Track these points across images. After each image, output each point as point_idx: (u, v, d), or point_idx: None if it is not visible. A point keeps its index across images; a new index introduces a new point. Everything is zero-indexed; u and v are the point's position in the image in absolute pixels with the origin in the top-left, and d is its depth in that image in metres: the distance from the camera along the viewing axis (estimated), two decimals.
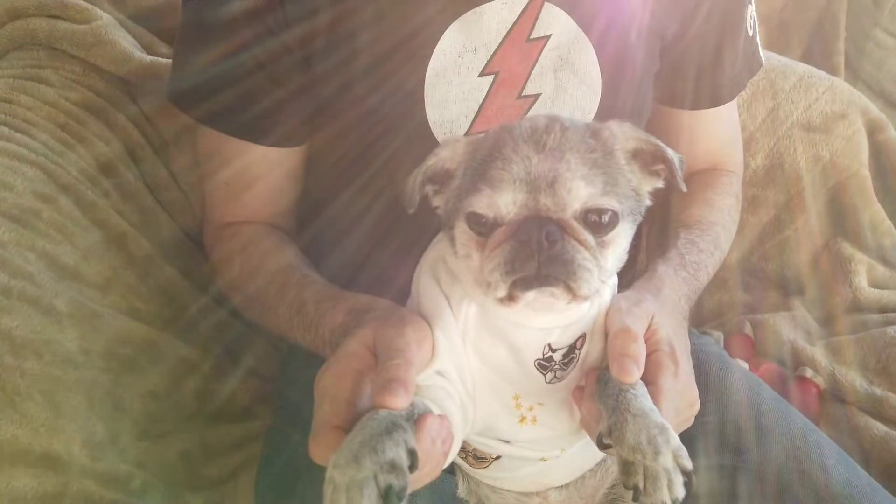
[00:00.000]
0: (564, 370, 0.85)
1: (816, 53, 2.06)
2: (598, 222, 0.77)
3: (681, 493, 0.71)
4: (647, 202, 0.86)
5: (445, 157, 0.84)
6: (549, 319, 0.82)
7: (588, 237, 0.76)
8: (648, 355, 0.80)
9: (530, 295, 0.76)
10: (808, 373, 1.40)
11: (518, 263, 0.74)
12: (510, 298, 0.76)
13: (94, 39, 1.41)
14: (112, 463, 1.03)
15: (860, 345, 1.44)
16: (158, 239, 1.35)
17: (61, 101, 1.35)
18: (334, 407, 0.73)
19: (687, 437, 1.01)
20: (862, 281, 1.59)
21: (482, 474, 1.01)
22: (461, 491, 1.05)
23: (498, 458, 0.96)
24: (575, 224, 0.76)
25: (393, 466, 0.66)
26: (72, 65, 1.41)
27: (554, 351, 0.84)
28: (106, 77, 1.43)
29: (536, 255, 0.73)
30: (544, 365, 0.84)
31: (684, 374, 0.84)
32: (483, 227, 0.77)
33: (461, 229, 0.80)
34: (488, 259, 0.76)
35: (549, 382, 0.85)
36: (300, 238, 1.22)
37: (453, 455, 0.83)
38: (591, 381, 0.81)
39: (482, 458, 0.97)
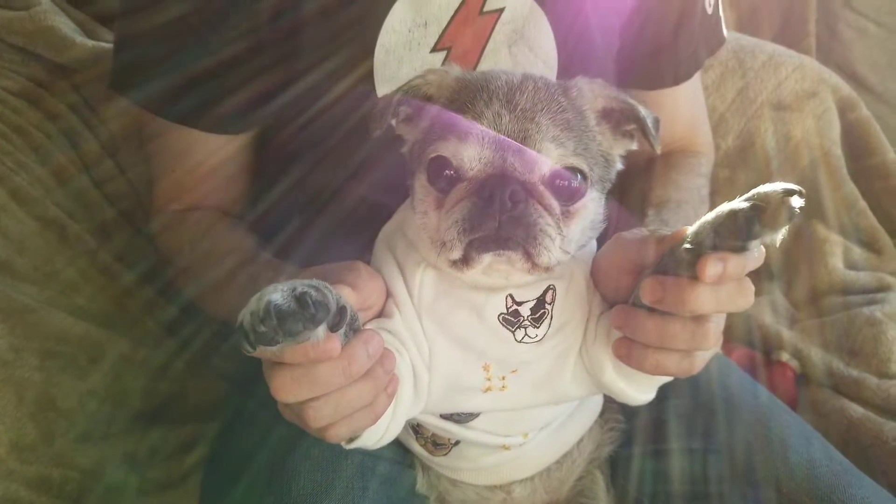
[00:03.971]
0: (536, 327, 0.80)
1: (787, 36, 2.03)
2: (566, 188, 0.73)
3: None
4: (619, 166, 0.83)
5: (432, 81, 0.80)
6: (512, 282, 0.78)
7: (554, 203, 0.73)
8: None
9: (486, 258, 0.72)
10: (784, 357, 1.37)
11: (477, 221, 0.70)
12: (464, 262, 0.72)
13: (33, 26, 1.36)
14: (44, 466, 0.97)
15: (836, 326, 1.40)
16: (102, 232, 1.29)
17: None
18: None
19: (660, 421, 1.00)
20: (837, 262, 1.56)
21: (442, 464, 0.97)
22: (420, 485, 1.01)
23: (457, 443, 0.92)
24: (541, 188, 0.72)
25: (316, 288, 0.64)
26: (10, 53, 1.36)
27: (519, 304, 0.79)
28: (47, 65, 1.37)
29: (498, 214, 0.70)
30: (510, 320, 0.80)
31: None
32: (444, 181, 0.74)
33: (420, 182, 0.77)
34: (446, 215, 0.72)
35: (520, 341, 0.80)
36: (256, 227, 1.17)
37: (398, 422, 0.79)
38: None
39: (441, 444, 0.93)
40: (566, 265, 0.79)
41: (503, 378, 0.82)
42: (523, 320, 0.79)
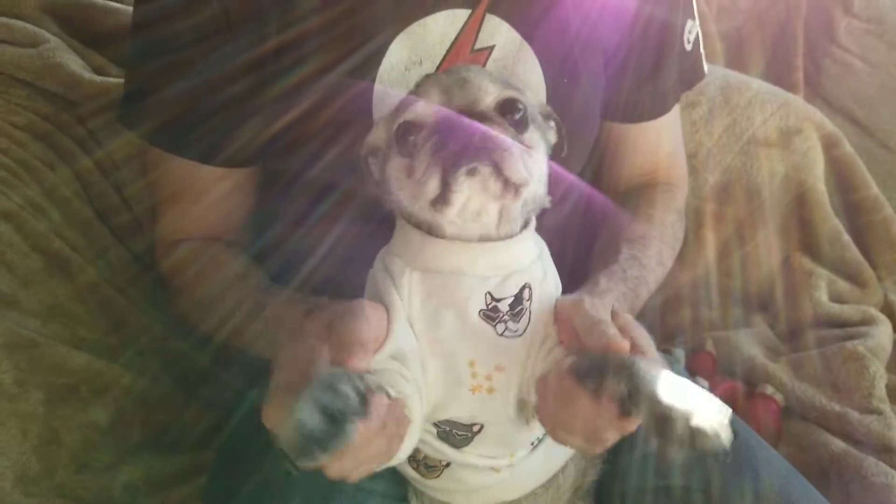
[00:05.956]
0: (516, 322, 0.83)
1: (775, 70, 2.08)
2: (513, 119, 0.82)
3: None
4: (552, 137, 0.92)
5: (374, 135, 0.90)
6: (487, 264, 0.83)
7: (508, 127, 0.80)
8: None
9: (463, 188, 0.77)
10: (769, 390, 1.40)
11: (446, 141, 0.77)
12: (442, 198, 0.77)
13: (41, 63, 1.39)
14: (46, 499, 1.00)
15: (820, 360, 1.43)
16: (106, 265, 1.31)
17: (4, 126, 1.31)
18: (289, 374, 0.72)
19: (640, 457, 1.03)
20: (822, 295, 1.59)
21: (434, 487, 0.99)
22: None
23: (448, 465, 0.94)
24: (493, 113, 0.81)
25: (337, 392, 0.65)
26: (17, 89, 1.38)
27: (498, 300, 0.83)
28: (54, 101, 1.40)
29: (461, 135, 0.77)
30: (490, 315, 0.83)
31: None
32: (410, 147, 0.81)
33: (393, 164, 0.84)
34: (419, 156, 0.79)
35: (502, 335, 0.83)
36: (260, 262, 1.20)
37: (412, 441, 0.82)
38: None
39: (433, 466, 0.95)
40: (538, 265, 0.86)
41: (489, 378, 0.84)
42: (503, 315, 0.83)
